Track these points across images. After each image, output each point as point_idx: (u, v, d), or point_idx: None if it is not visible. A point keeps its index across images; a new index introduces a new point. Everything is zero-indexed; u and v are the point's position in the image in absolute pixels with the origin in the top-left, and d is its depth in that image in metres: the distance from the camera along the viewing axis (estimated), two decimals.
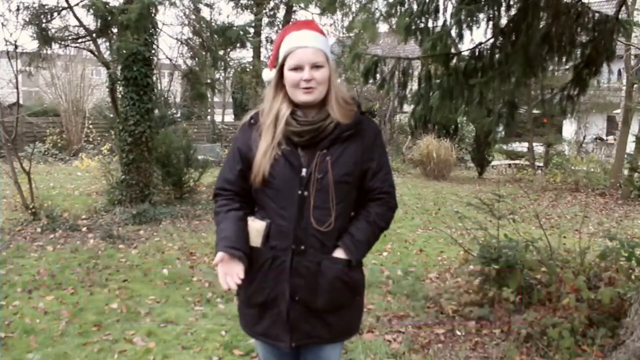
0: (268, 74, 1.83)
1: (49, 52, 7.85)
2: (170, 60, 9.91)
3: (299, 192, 1.72)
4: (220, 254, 1.69)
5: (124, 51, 6.95)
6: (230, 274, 1.69)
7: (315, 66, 1.71)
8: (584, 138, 18.22)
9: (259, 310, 1.82)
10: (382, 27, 4.37)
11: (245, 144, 1.81)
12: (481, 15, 3.87)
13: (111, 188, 7.90)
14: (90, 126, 15.54)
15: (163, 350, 3.43)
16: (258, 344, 1.96)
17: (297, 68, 1.71)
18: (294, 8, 16.18)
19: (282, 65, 1.75)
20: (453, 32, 3.87)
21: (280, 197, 1.74)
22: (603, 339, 3.28)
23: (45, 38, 7.33)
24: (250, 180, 1.77)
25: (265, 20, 17.70)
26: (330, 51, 1.81)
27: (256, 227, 1.77)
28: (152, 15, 6.91)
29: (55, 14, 7.56)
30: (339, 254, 1.76)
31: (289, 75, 1.72)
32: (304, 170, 1.73)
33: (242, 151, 1.81)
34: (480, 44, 4.06)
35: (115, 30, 7.33)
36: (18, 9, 7.22)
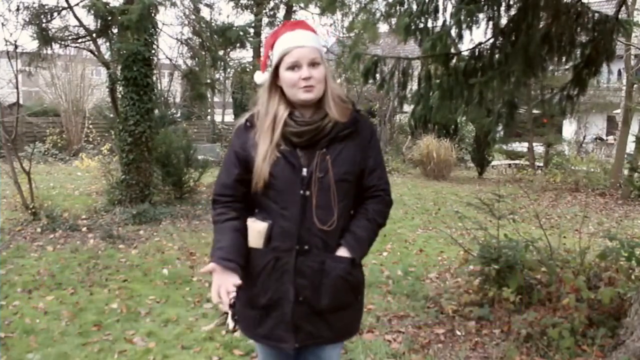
0: (261, 77, 1.80)
1: (49, 52, 7.85)
2: (170, 60, 9.90)
3: (301, 192, 1.71)
4: (212, 264, 1.69)
5: (124, 51, 6.95)
6: (224, 285, 1.65)
7: (313, 64, 1.70)
8: (584, 138, 18.22)
9: (262, 312, 1.79)
10: (382, 27, 4.37)
11: (242, 147, 1.78)
12: (481, 15, 3.87)
13: (111, 188, 7.89)
14: (90, 126, 15.54)
15: (163, 350, 3.43)
16: (258, 346, 1.94)
17: (295, 67, 1.69)
18: (294, 8, 16.16)
19: (277, 67, 1.73)
20: (453, 32, 3.87)
21: (282, 197, 1.73)
22: (603, 339, 3.28)
23: (45, 38, 7.33)
24: (252, 185, 1.75)
25: (265, 20, 17.66)
26: (330, 51, 1.81)
27: (258, 228, 1.75)
28: (153, 15, 6.91)
29: (55, 14, 7.56)
30: (342, 252, 1.76)
31: (287, 75, 1.70)
32: (304, 170, 1.72)
33: (239, 155, 1.78)
34: (480, 44, 4.06)
35: (115, 30, 7.33)
36: (18, 9, 7.22)
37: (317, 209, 1.72)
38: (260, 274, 1.76)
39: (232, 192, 1.81)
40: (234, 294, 1.65)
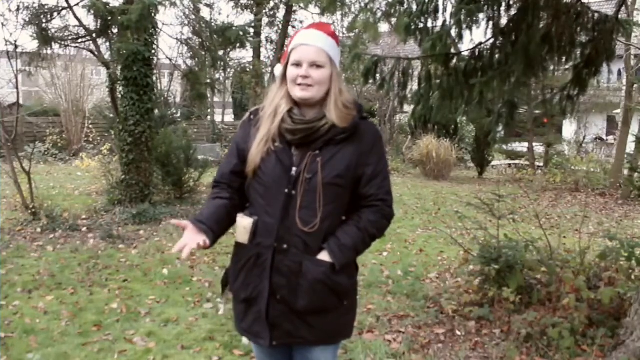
0: (278, 69, 1.84)
1: (49, 52, 7.84)
2: (170, 60, 9.92)
3: (286, 190, 1.73)
4: (186, 222, 1.76)
5: (124, 51, 6.94)
6: (190, 243, 1.70)
7: (315, 65, 1.72)
8: (584, 138, 18.22)
9: (244, 306, 1.84)
10: (382, 27, 4.37)
11: (243, 139, 1.84)
12: (481, 15, 3.87)
13: (111, 188, 7.89)
14: (90, 126, 15.54)
15: (163, 350, 3.43)
16: (252, 343, 1.97)
17: (298, 64, 1.73)
18: (294, 8, 16.16)
19: (287, 61, 1.78)
20: (453, 32, 3.87)
21: (268, 194, 1.76)
22: (603, 339, 3.28)
23: (45, 38, 7.32)
24: (245, 172, 1.81)
25: (265, 20, 17.69)
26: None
27: (244, 224, 1.79)
28: (152, 15, 6.91)
29: (55, 14, 7.55)
30: (323, 256, 1.75)
31: (290, 70, 1.75)
32: (293, 169, 1.74)
33: (239, 146, 1.84)
34: (480, 44, 4.06)
35: (115, 30, 7.33)
36: (18, 9, 7.21)
37: (301, 210, 1.72)
38: (243, 269, 1.81)
39: (229, 181, 1.87)
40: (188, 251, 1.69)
